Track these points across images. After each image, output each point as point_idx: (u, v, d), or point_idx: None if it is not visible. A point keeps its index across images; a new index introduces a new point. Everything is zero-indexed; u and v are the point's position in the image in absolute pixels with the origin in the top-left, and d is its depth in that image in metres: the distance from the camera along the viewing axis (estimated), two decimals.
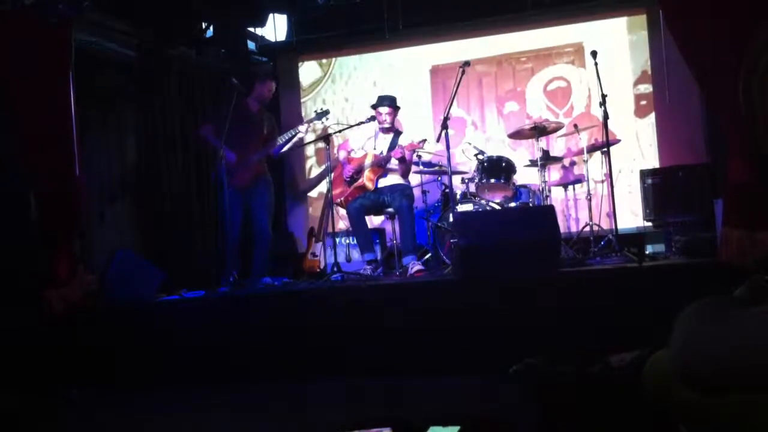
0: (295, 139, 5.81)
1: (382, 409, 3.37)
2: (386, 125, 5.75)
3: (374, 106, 5.80)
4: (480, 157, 6.03)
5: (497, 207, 5.81)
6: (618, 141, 6.03)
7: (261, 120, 5.85)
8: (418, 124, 7.23)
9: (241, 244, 5.74)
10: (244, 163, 5.64)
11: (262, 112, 5.90)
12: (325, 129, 7.18)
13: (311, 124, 6.08)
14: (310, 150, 7.80)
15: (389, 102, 5.75)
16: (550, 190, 5.92)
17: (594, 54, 5.22)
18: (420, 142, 5.50)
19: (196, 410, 3.75)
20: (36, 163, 4.77)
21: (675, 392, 1.25)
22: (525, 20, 7.20)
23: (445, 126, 5.08)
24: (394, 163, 5.63)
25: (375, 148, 5.77)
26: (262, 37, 7.78)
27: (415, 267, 5.25)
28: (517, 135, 6.12)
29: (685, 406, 1.26)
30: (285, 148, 5.86)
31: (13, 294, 4.31)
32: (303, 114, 7.73)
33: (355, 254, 6.20)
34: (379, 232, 6.52)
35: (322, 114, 5.92)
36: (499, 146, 7.14)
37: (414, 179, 6.11)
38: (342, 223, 6.78)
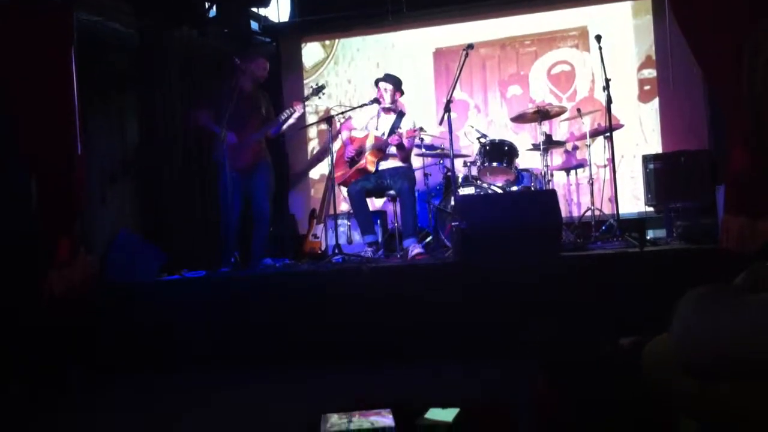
0: (292, 118, 5.75)
1: (382, 391, 3.38)
2: (386, 104, 5.74)
3: (377, 81, 5.83)
4: (482, 140, 6.01)
5: (499, 191, 5.80)
6: (621, 126, 6.02)
7: (258, 100, 5.79)
8: (420, 106, 7.21)
9: (241, 226, 5.75)
10: (243, 145, 5.60)
11: (257, 91, 5.82)
12: (327, 111, 7.15)
13: (310, 101, 6.07)
14: (312, 132, 7.79)
15: (392, 80, 5.77)
16: (552, 175, 5.92)
17: (598, 38, 5.21)
18: (416, 129, 5.49)
19: (195, 393, 3.77)
20: (37, 144, 4.75)
21: (675, 380, 1.26)
22: (529, 3, 7.18)
23: (447, 109, 5.08)
24: (393, 149, 5.63)
25: (377, 129, 5.76)
26: (266, 18, 7.74)
27: (416, 250, 5.26)
28: (519, 119, 6.10)
29: (685, 394, 1.26)
30: (283, 127, 5.83)
31: (15, 276, 4.32)
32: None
33: (357, 236, 6.21)
34: (381, 214, 6.52)
35: (319, 89, 5.88)
36: (502, 130, 7.11)
37: (416, 162, 6.10)
38: (344, 205, 6.79)
